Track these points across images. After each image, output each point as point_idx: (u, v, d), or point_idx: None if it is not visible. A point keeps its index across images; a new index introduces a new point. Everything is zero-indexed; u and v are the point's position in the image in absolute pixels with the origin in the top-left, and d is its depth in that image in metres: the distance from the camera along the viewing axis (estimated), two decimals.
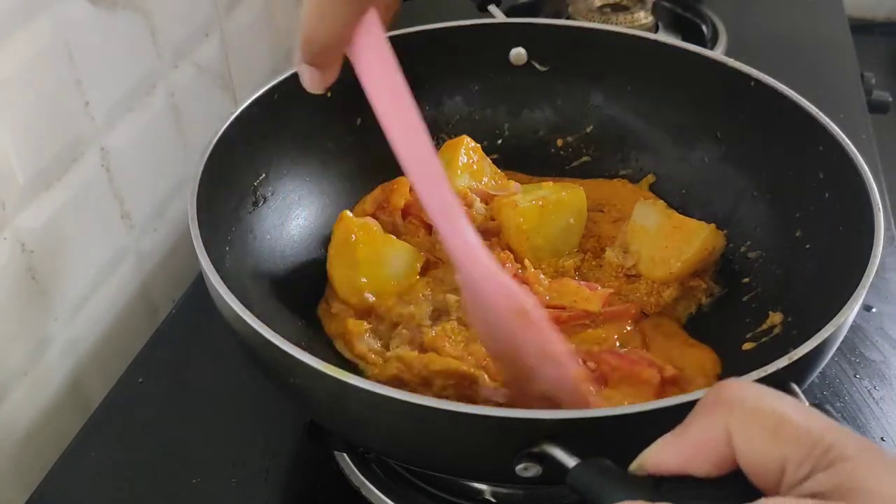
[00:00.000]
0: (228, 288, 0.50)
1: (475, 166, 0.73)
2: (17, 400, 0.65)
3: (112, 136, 0.71)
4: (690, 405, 0.39)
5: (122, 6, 0.70)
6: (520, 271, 0.65)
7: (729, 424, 0.32)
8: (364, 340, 0.63)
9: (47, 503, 0.61)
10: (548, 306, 0.62)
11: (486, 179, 0.74)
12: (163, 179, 0.80)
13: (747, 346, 0.61)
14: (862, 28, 1.37)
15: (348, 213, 0.67)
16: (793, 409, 0.31)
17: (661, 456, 0.33)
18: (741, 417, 0.31)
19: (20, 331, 0.64)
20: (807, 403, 0.36)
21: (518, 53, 0.77)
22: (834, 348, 0.49)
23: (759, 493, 0.31)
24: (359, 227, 0.65)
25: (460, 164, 0.72)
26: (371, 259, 0.65)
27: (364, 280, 0.64)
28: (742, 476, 0.32)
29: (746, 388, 0.33)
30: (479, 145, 0.74)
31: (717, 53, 0.72)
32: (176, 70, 0.79)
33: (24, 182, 0.61)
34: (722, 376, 0.60)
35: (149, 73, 0.75)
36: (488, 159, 0.75)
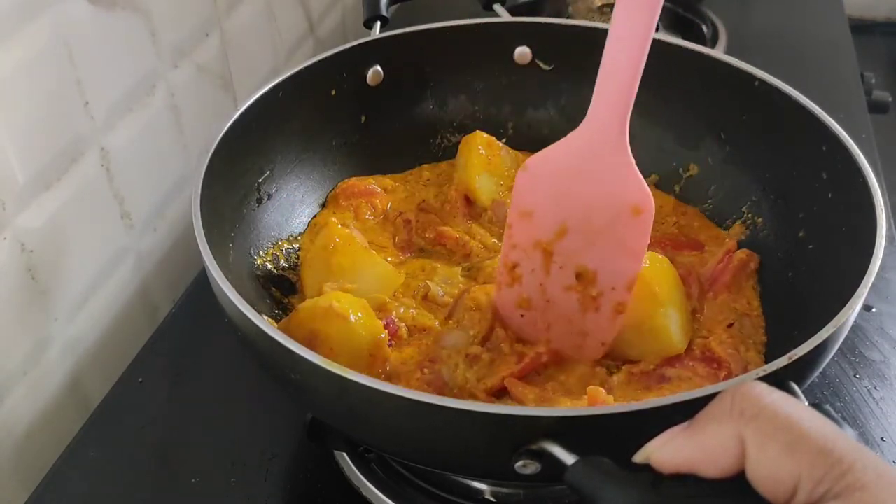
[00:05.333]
0: (231, 284, 0.50)
1: (492, 160, 0.73)
2: (17, 400, 0.65)
3: (112, 136, 0.71)
4: (689, 404, 0.38)
5: (122, 6, 0.69)
6: None
7: (744, 433, 0.31)
8: None
9: (47, 503, 0.61)
10: None
11: (506, 172, 0.74)
12: (163, 179, 0.80)
13: None
14: (862, 28, 1.37)
15: (334, 220, 0.66)
16: (812, 423, 0.31)
17: (669, 454, 0.33)
18: (758, 428, 0.31)
19: (20, 331, 0.64)
20: (806, 403, 0.36)
21: (522, 52, 0.77)
22: (835, 348, 0.49)
23: (766, 502, 0.31)
24: (341, 237, 0.64)
25: (477, 162, 0.72)
26: (345, 268, 0.63)
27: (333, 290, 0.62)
28: (746, 482, 0.31)
29: (765, 396, 0.32)
30: (493, 138, 0.74)
31: (722, 54, 0.71)
32: (176, 70, 0.79)
33: (24, 182, 0.61)
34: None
35: (149, 73, 0.75)
36: (504, 147, 0.75)
